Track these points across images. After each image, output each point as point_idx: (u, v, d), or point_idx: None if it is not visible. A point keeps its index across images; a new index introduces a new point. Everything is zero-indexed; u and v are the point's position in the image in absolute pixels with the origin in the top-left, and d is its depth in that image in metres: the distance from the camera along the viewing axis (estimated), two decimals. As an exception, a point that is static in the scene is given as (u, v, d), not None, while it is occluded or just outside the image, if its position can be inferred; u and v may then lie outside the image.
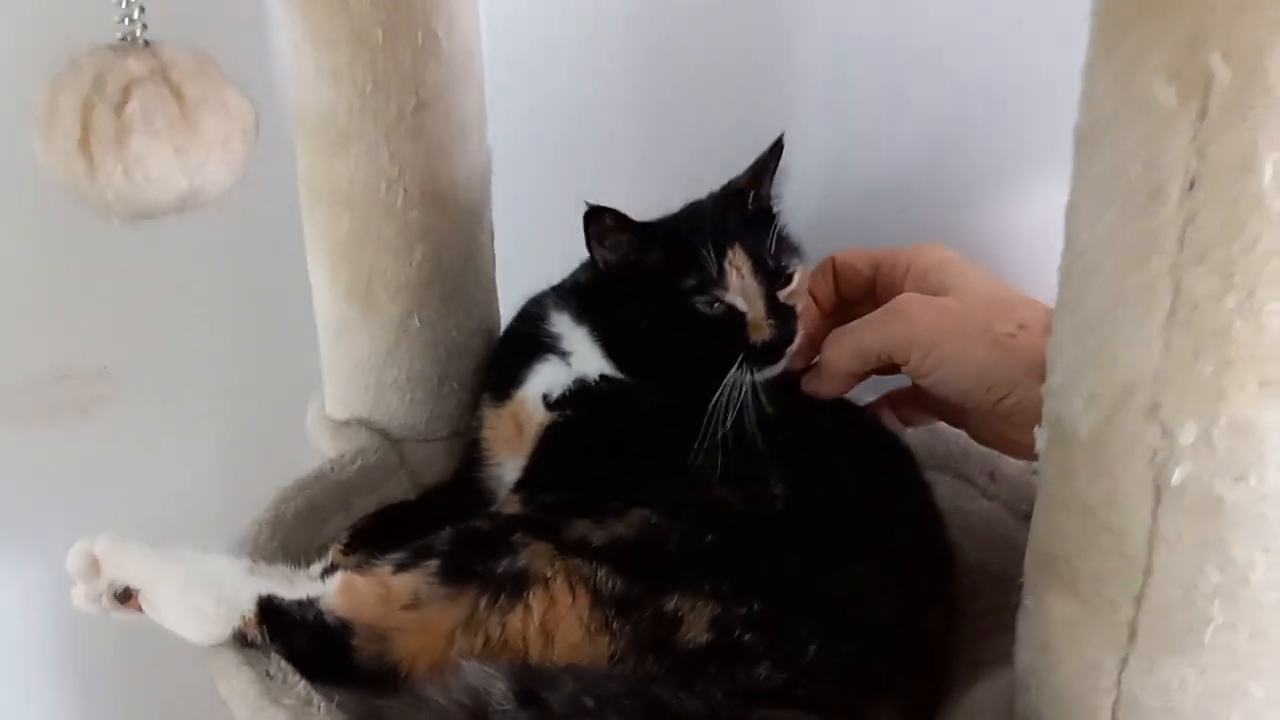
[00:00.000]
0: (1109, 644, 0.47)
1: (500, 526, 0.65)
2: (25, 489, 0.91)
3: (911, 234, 0.99)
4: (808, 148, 1.05)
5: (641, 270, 0.72)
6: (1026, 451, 0.73)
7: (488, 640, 0.59)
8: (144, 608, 0.61)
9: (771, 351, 0.70)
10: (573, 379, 0.75)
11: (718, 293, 0.70)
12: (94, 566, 0.61)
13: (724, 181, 0.78)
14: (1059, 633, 0.50)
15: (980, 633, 0.68)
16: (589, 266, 0.76)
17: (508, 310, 0.85)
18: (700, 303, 0.70)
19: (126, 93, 0.48)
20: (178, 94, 0.49)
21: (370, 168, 0.75)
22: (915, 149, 1.04)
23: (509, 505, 0.72)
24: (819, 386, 0.73)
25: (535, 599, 0.60)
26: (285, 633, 0.60)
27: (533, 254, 0.81)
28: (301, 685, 0.59)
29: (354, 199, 0.76)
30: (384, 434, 0.83)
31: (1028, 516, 0.54)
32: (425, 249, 0.79)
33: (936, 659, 0.66)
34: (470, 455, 0.80)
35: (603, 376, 0.74)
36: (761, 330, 0.70)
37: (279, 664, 0.60)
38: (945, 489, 0.76)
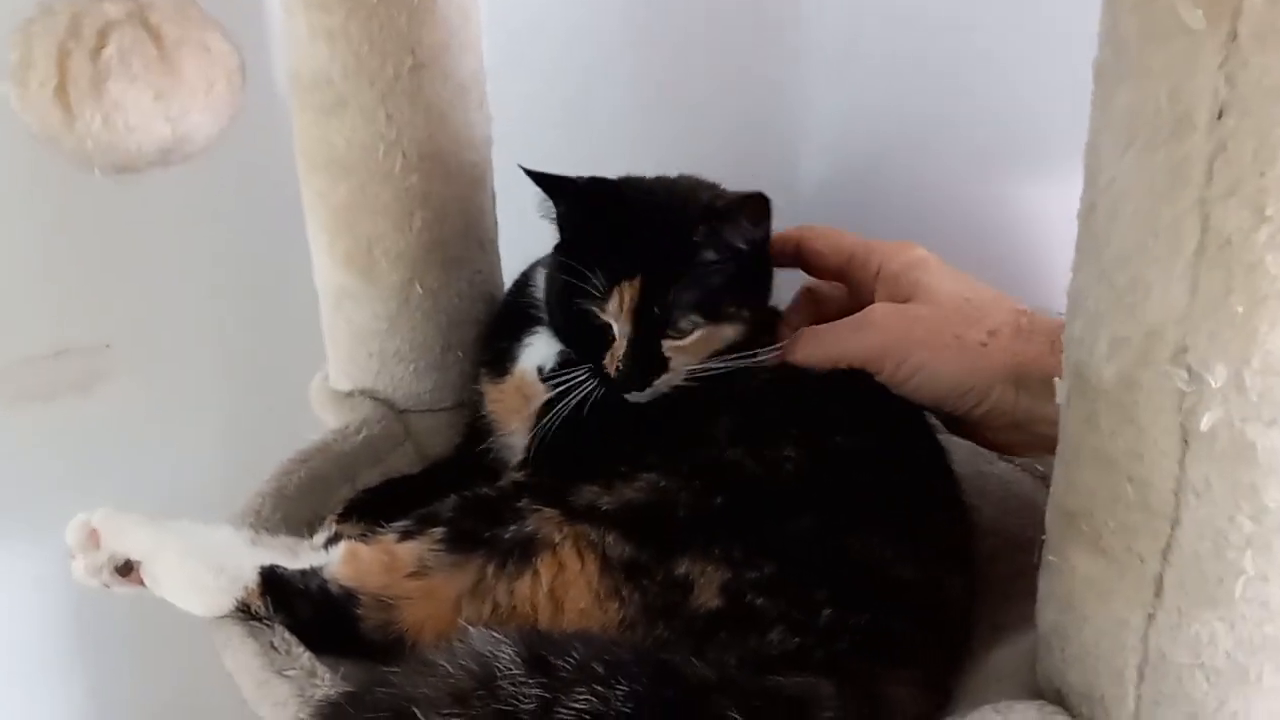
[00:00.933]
0: (1135, 600, 0.46)
1: (506, 493, 0.64)
2: (28, 467, 0.90)
3: (917, 205, 0.97)
4: (816, 115, 1.03)
5: (571, 252, 0.71)
6: (1000, 449, 0.75)
7: (495, 607, 0.59)
8: (145, 580, 0.60)
9: (614, 387, 0.69)
10: (559, 349, 0.74)
11: (595, 309, 0.69)
12: (93, 539, 0.61)
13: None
14: (1084, 591, 0.49)
15: (1001, 597, 0.67)
16: None
17: (512, 278, 0.83)
18: (586, 306, 0.69)
19: (103, 36, 0.47)
20: (156, 36, 0.48)
21: (367, 131, 0.74)
22: (925, 120, 1.02)
23: (515, 476, 0.70)
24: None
25: (543, 565, 0.59)
26: (289, 603, 0.60)
27: (538, 220, 0.80)
28: (306, 656, 0.58)
29: (351, 163, 0.75)
30: (388, 405, 0.82)
31: (1045, 478, 0.53)
32: (425, 214, 0.77)
33: (956, 624, 0.65)
34: (474, 428, 0.79)
35: None
36: (611, 365, 0.69)
37: (283, 635, 0.59)
38: (961, 452, 0.74)
